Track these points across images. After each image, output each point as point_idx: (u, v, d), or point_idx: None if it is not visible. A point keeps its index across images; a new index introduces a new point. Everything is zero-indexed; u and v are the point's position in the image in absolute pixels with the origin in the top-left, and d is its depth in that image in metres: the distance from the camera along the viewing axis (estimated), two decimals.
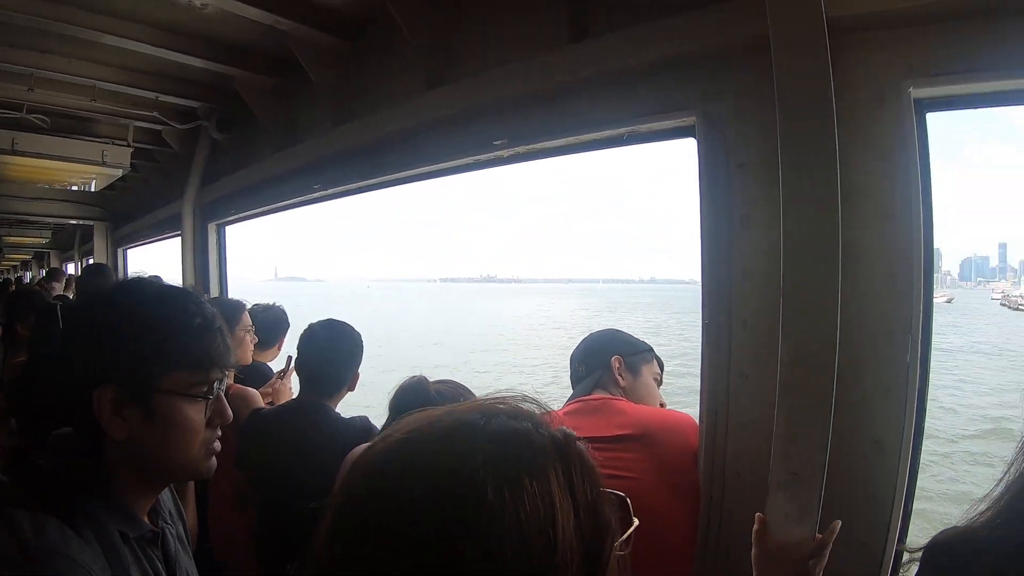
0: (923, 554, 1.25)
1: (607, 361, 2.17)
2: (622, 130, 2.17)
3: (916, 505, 1.90)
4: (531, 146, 2.38)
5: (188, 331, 1.22)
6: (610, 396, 2.11)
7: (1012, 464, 1.17)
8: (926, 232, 1.79)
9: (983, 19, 1.72)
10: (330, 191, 3.64)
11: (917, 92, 1.79)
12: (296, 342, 2.62)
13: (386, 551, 0.62)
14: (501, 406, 0.75)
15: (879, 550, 1.77)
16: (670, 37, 2.05)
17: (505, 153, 2.45)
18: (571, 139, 2.29)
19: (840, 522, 1.63)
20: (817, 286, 1.66)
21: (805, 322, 1.67)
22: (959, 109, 1.88)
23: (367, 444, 0.75)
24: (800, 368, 1.67)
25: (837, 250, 1.64)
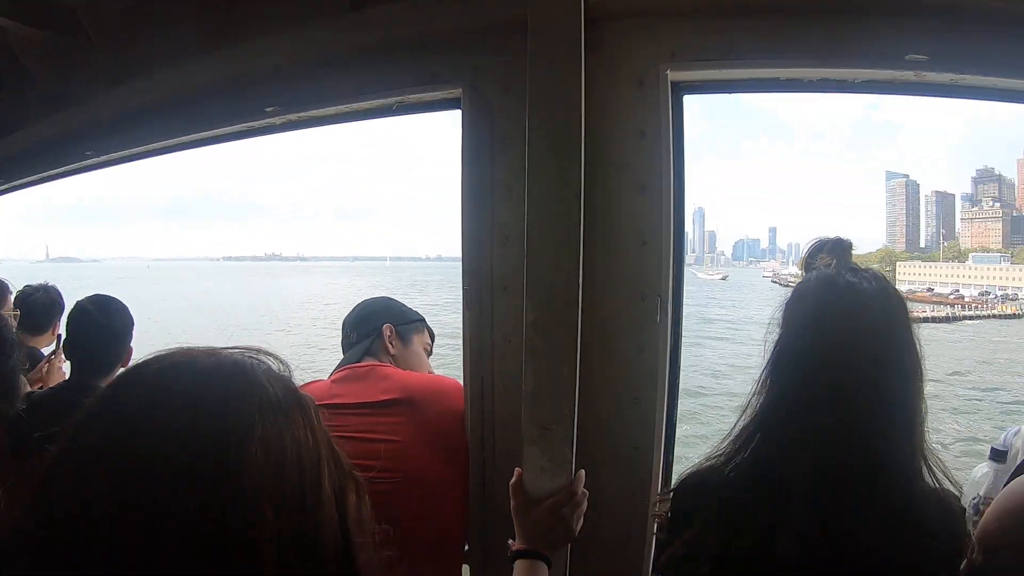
0: (674, 492, 1.33)
1: (379, 328, 2.16)
2: (391, 100, 2.13)
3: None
4: (303, 114, 2.29)
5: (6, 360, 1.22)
6: (378, 363, 2.09)
7: (746, 407, 1.26)
8: (677, 202, 1.89)
9: (739, 11, 1.85)
10: (104, 158, 3.35)
11: (674, 75, 1.89)
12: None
13: (171, 482, 0.63)
14: (253, 357, 0.77)
15: (644, 495, 1.88)
16: (441, 10, 2.03)
17: (277, 121, 2.34)
18: (343, 108, 2.23)
19: (584, 471, 1.70)
20: (559, 251, 1.71)
21: (548, 284, 1.71)
22: (714, 93, 2.04)
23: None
24: (544, 328, 1.72)
25: (579, 218, 1.70)
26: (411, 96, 2.11)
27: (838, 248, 1.30)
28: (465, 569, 2.09)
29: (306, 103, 2.29)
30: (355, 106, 2.20)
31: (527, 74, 1.75)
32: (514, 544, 1.61)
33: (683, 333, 2.00)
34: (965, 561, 1.18)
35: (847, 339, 1.18)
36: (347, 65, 2.19)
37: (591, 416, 1.87)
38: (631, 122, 1.88)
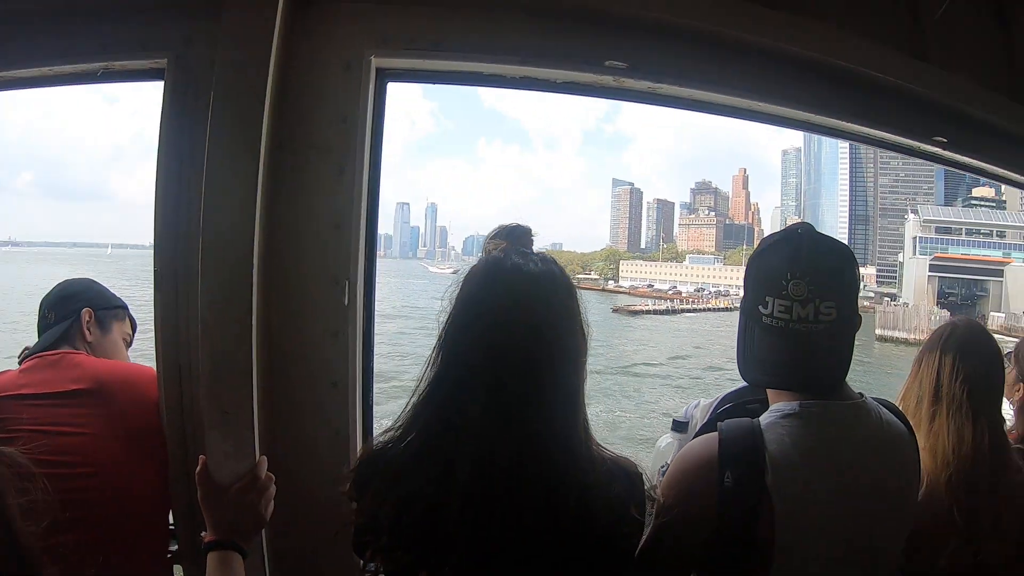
0: (355, 467, 1.34)
1: (78, 312, 2.01)
2: (96, 66, 1.98)
3: None
4: (6, 73, 2.03)
5: None
6: (71, 350, 1.95)
7: (419, 384, 1.27)
8: (372, 186, 1.90)
9: (450, 4, 1.87)
10: None
11: (380, 62, 1.90)
12: None
13: None
14: None
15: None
16: None
17: None
18: (46, 70, 2.05)
19: (266, 457, 1.65)
20: (235, 232, 1.65)
21: (223, 265, 1.66)
22: (419, 82, 2.06)
23: None
24: (220, 309, 1.66)
25: (255, 199, 1.65)
26: (117, 63, 1.97)
27: (514, 234, 1.32)
28: (178, 569, 2.00)
29: (11, 62, 2.06)
30: (60, 69, 2.03)
31: (218, 51, 1.70)
32: (206, 536, 1.55)
33: (376, 316, 1.99)
34: (652, 513, 1.26)
35: (508, 317, 1.20)
36: (56, 24, 1.99)
37: (288, 400, 1.85)
38: (334, 106, 1.85)
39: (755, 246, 1.52)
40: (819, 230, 1.40)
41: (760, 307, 1.33)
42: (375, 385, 2.02)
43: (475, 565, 1.16)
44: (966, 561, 1.73)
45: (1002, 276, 72.48)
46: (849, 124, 2.22)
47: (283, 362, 1.82)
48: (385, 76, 1.93)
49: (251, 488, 1.59)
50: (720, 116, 2.14)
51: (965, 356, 1.80)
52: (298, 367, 1.85)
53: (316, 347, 1.86)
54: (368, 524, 1.25)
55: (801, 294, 1.29)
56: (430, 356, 1.27)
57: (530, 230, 1.34)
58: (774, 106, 2.12)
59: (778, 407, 1.35)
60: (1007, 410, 2.03)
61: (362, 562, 1.30)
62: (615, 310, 69.72)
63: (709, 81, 2.00)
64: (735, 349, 1.43)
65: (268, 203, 1.74)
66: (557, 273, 1.27)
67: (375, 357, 1.98)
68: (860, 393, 1.38)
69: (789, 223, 1.51)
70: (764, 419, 1.33)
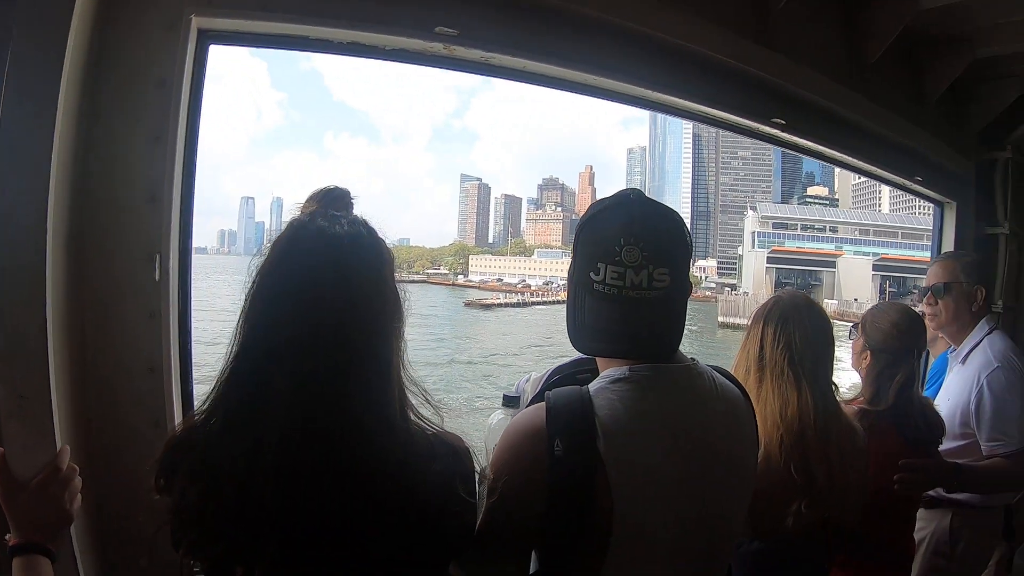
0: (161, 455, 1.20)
1: None
2: None
3: None
4: None
5: None
6: None
7: (224, 360, 1.17)
8: (188, 155, 1.78)
9: None
10: None
11: (203, 23, 1.77)
12: None
13: None
14: None
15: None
16: None
17: None
18: None
19: (68, 447, 1.49)
20: (26, 201, 1.50)
21: (12, 240, 1.50)
22: (242, 45, 1.97)
23: None
24: (9, 287, 1.50)
25: (49, 167, 1.50)
26: None
27: (329, 197, 1.25)
28: None
29: None
30: None
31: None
32: (10, 539, 1.38)
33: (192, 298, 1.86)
34: (484, 485, 1.22)
35: (310, 283, 1.13)
36: None
37: (100, 386, 1.70)
38: (152, 69, 1.71)
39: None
40: None
41: (592, 274, 1.29)
42: None
43: (290, 555, 1.08)
44: (812, 519, 1.80)
45: (835, 267, 79.83)
46: (693, 104, 2.25)
47: (93, 345, 1.67)
48: (207, 38, 1.80)
49: (52, 481, 1.45)
50: (560, 91, 2.13)
51: (785, 325, 1.89)
52: (110, 351, 1.70)
53: (130, 329, 1.72)
54: (177, 516, 1.14)
55: (635, 260, 1.26)
56: (234, 331, 1.18)
57: (348, 193, 1.27)
58: (618, 83, 2.12)
59: (608, 373, 1.31)
60: (853, 377, 2.12)
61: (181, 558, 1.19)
62: (467, 304, 71.30)
63: (546, 53, 1.99)
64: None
65: (74, 173, 1.60)
66: (364, 235, 1.20)
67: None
68: (692, 357, 1.37)
69: None
70: (593, 386, 1.30)
